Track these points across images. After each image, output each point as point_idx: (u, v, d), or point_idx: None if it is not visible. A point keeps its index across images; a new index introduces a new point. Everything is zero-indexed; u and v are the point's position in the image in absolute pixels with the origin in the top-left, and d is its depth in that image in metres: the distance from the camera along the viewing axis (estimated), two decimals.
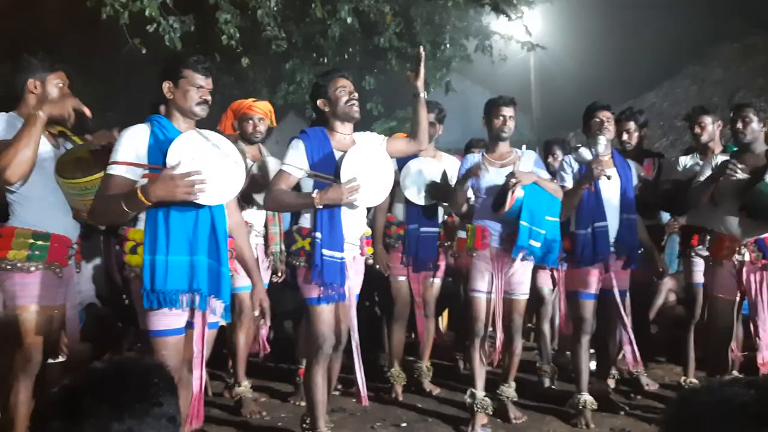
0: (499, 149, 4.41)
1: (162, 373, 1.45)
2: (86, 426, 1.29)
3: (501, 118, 4.33)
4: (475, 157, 4.51)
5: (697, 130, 4.84)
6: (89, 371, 1.39)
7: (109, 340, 4.21)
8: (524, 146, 4.51)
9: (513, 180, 4.05)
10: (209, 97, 3.07)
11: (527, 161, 4.35)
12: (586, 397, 4.35)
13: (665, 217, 5.42)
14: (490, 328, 4.27)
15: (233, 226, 3.24)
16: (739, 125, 4.19)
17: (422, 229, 4.77)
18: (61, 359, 3.56)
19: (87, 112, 3.21)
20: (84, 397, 1.32)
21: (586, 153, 4.30)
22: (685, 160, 4.89)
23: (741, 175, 4.00)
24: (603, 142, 4.20)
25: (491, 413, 4.30)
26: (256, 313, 3.39)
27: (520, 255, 4.12)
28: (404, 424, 4.30)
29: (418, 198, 4.70)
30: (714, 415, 1.25)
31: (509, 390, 4.38)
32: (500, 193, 4.14)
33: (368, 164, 3.62)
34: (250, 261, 3.35)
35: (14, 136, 3.02)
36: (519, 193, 4.06)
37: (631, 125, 5.02)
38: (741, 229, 4.12)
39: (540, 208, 4.13)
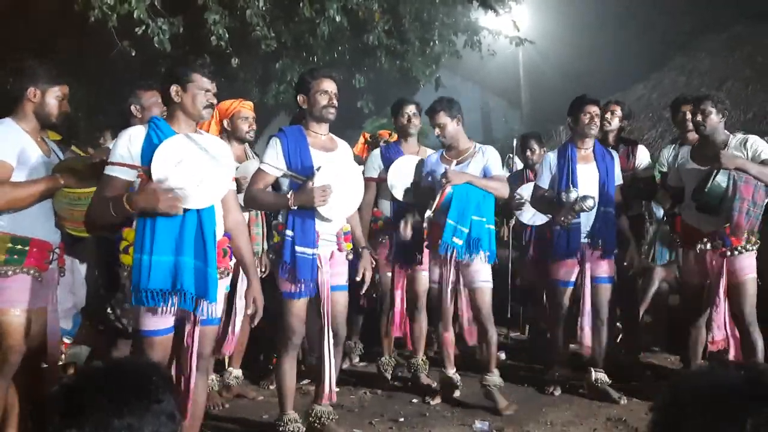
0: (455, 147, 4.51)
1: (160, 372, 1.48)
2: (86, 423, 1.30)
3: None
4: (433, 157, 4.62)
5: (700, 117, 4.85)
6: (88, 370, 1.41)
7: (104, 343, 4.20)
8: (515, 140, 4.58)
9: (443, 180, 4.23)
10: (215, 101, 3.17)
11: (480, 159, 4.43)
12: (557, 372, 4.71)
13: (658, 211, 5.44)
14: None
15: (233, 225, 3.28)
16: (699, 117, 4.27)
17: None
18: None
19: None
20: (84, 395, 1.34)
21: (572, 195, 4.40)
22: (668, 152, 4.93)
23: None
24: (590, 204, 4.35)
25: (458, 387, 4.60)
26: (249, 311, 3.41)
27: (446, 251, 4.30)
28: (402, 419, 4.31)
29: (405, 197, 4.76)
30: (705, 398, 1.27)
31: (494, 378, 4.43)
32: (432, 193, 4.34)
33: (342, 178, 3.70)
34: (248, 260, 3.37)
35: (26, 182, 3.12)
36: (448, 190, 4.24)
37: (618, 110, 5.11)
38: (701, 222, 4.26)
39: (468, 208, 4.28)
